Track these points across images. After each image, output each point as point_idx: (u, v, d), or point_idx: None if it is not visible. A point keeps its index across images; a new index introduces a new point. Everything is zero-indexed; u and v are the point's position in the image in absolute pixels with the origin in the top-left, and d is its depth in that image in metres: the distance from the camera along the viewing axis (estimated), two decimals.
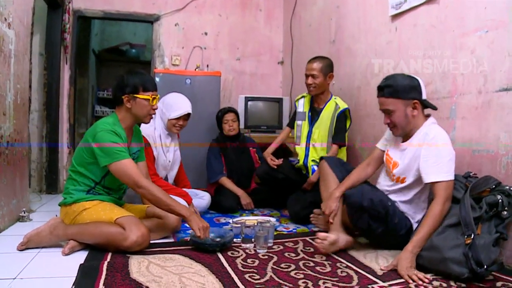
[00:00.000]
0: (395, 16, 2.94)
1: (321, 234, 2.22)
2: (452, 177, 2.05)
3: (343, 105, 3.18)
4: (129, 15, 4.87)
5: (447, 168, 2.05)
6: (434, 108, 2.24)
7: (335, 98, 3.24)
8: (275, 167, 3.33)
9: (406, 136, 2.29)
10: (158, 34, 4.93)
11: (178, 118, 3.09)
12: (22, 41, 2.98)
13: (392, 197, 2.30)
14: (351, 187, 2.37)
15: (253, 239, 2.33)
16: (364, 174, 2.46)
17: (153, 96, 2.41)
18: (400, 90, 2.16)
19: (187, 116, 3.15)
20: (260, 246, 2.26)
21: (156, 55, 4.94)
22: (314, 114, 3.32)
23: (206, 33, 5.06)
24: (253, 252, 2.26)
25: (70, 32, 4.44)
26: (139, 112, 2.40)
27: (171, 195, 2.78)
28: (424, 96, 2.20)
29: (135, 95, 2.36)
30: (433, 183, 2.07)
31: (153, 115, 2.49)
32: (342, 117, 3.17)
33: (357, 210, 2.16)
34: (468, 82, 2.32)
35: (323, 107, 3.25)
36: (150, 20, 4.93)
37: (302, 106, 3.42)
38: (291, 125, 3.56)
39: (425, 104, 2.21)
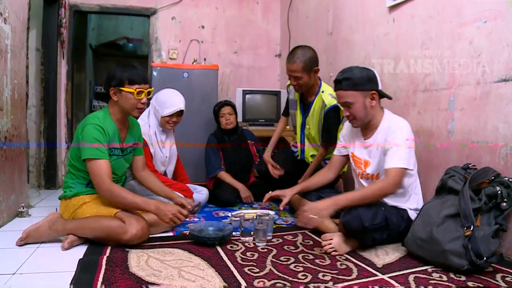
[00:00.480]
0: (392, 7, 2.93)
1: (326, 236, 2.22)
2: (407, 166, 2.12)
3: (329, 102, 2.94)
4: (126, 9, 4.83)
5: (405, 157, 2.12)
6: (390, 98, 2.33)
7: (322, 93, 3.03)
8: (277, 177, 3.21)
9: (366, 131, 2.34)
10: (155, 28, 4.90)
11: (171, 115, 3.07)
12: (19, 36, 2.96)
13: None
14: (310, 187, 2.52)
15: (252, 233, 2.33)
16: (325, 178, 2.55)
17: (138, 90, 2.33)
18: (359, 82, 2.20)
19: (180, 113, 3.12)
20: (259, 239, 2.27)
21: (153, 49, 4.92)
22: (305, 106, 3.18)
23: (203, 27, 5.04)
24: (252, 245, 2.26)
25: (67, 27, 4.41)
26: (125, 105, 2.36)
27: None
28: (380, 87, 2.26)
29: (120, 88, 2.32)
30: (386, 169, 2.13)
31: (142, 109, 2.42)
32: (330, 115, 2.96)
33: (360, 232, 2.10)
34: (466, 73, 2.31)
35: (313, 101, 3.08)
36: (146, 14, 4.90)
37: (293, 92, 3.25)
38: (286, 113, 3.52)
39: (381, 94, 2.28)
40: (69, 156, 2.43)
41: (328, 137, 2.99)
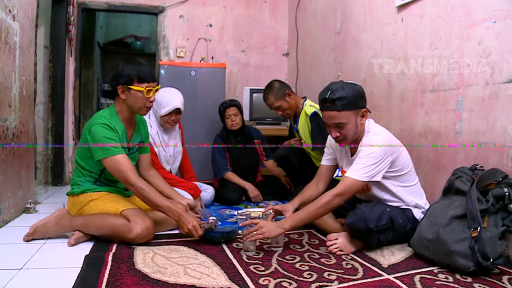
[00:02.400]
0: (401, 7, 2.91)
1: (331, 236, 2.22)
2: (363, 179, 2.07)
3: (310, 111, 3.21)
4: (134, 7, 4.85)
5: (362, 169, 2.07)
6: (369, 112, 2.23)
7: (305, 106, 3.29)
8: (298, 144, 3.43)
9: (352, 147, 2.27)
10: (162, 26, 4.91)
11: (169, 114, 3.07)
12: (27, 33, 2.98)
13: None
14: (307, 201, 2.36)
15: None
16: (316, 191, 2.41)
17: (148, 88, 2.29)
18: (353, 101, 2.08)
19: (178, 111, 3.11)
20: (275, 245, 2.19)
21: (161, 47, 4.93)
22: (295, 124, 3.44)
23: (211, 25, 5.04)
24: (258, 243, 2.25)
25: (75, 24, 4.43)
26: (133, 104, 2.33)
27: (177, 189, 2.81)
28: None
29: (129, 86, 2.28)
30: (343, 176, 2.11)
31: (150, 108, 2.40)
32: (314, 119, 3.16)
33: (365, 233, 2.08)
34: (475, 74, 2.29)
35: (298, 118, 3.35)
36: (154, 12, 4.92)
37: (290, 119, 3.55)
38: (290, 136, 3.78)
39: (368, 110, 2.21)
40: (76, 155, 2.44)
41: (321, 137, 3.04)
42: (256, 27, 5.22)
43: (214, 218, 2.38)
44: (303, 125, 3.31)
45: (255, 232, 2.04)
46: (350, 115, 2.09)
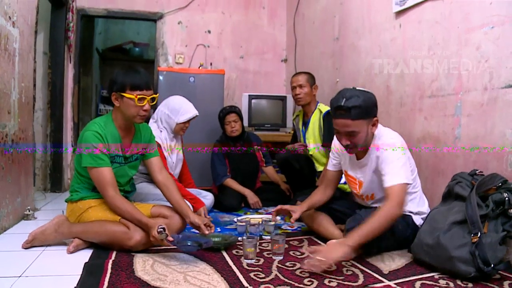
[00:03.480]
0: (399, 13, 2.93)
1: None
2: (406, 181, 2.03)
3: (325, 109, 3.32)
4: (132, 14, 4.87)
5: (400, 172, 2.03)
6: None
7: (319, 106, 3.40)
8: (302, 148, 3.43)
9: (360, 152, 2.26)
10: (161, 33, 4.93)
11: (185, 122, 3.17)
12: (26, 40, 2.98)
13: None
14: (315, 205, 2.41)
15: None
16: (324, 197, 2.45)
17: (140, 96, 2.23)
18: (367, 110, 2.05)
19: (193, 118, 3.22)
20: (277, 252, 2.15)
21: (159, 53, 4.94)
22: (304, 126, 3.50)
23: (209, 31, 5.05)
24: (258, 250, 2.24)
25: (74, 31, 4.44)
26: (126, 111, 2.28)
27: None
28: None
29: (122, 94, 2.24)
30: (387, 188, 2.04)
31: (145, 116, 2.33)
32: (328, 118, 3.20)
33: None
34: (473, 79, 2.30)
35: (310, 117, 3.42)
36: (153, 19, 4.93)
37: (298, 123, 3.62)
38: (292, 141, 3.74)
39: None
40: (75, 162, 2.44)
41: (331, 137, 3.05)
42: (255, 34, 5.24)
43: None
44: (314, 123, 3.37)
45: (314, 262, 1.83)
46: (363, 124, 2.07)
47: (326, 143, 3.18)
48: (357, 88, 2.14)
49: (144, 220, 2.16)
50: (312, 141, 3.39)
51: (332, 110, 2.11)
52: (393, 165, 2.06)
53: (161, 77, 4.19)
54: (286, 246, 2.32)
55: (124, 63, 6.84)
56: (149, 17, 4.94)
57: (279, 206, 2.42)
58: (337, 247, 1.88)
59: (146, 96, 2.27)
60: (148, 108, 2.30)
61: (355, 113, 2.01)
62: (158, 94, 2.42)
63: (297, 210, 2.38)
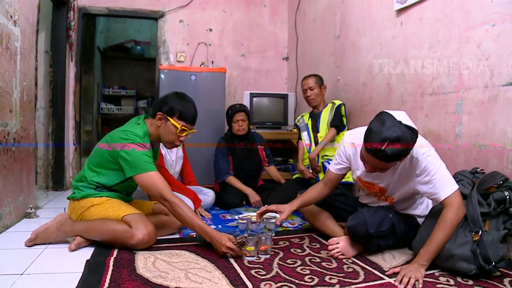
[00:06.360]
0: (400, 11, 2.92)
1: (332, 240, 2.19)
2: (456, 186, 1.92)
3: (339, 102, 3.50)
4: (134, 12, 4.87)
5: (448, 180, 1.92)
6: None
7: (331, 102, 3.55)
8: (314, 175, 3.46)
9: None
10: (162, 31, 4.93)
11: None
12: (28, 39, 2.99)
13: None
14: (308, 203, 2.38)
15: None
16: (320, 196, 2.39)
17: (183, 127, 2.31)
18: (406, 153, 1.88)
19: None
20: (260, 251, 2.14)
21: (161, 52, 4.94)
22: (314, 120, 3.59)
23: (210, 30, 5.06)
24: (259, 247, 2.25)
25: (75, 29, 4.45)
26: (164, 135, 2.34)
27: (176, 192, 2.79)
28: None
29: (168, 117, 2.30)
30: (445, 199, 1.91)
31: (177, 146, 2.42)
32: (339, 109, 3.44)
33: (365, 238, 2.09)
34: (474, 77, 2.30)
35: (322, 110, 3.55)
36: (154, 17, 4.94)
37: (303, 120, 3.71)
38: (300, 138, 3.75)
39: None
40: (92, 161, 2.38)
41: (338, 120, 3.41)
42: (256, 32, 5.24)
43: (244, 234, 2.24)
44: (325, 115, 3.50)
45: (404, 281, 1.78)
46: (397, 162, 1.97)
47: (333, 127, 3.38)
48: (402, 122, 1.84)
49: (207, 232, 2.14)
50: (324, 130, 3.45)
51: (369, 148, 1.88)
52: (437, 177, 1.93)
53: (162, 76, 4.19)
54: (287, 243, 2.33)
55: (126, 62, 6.92)
56: (151, 16, 4.94)
57: (263, 208, 2.37)
58: (416, 268, 1.82)
59: (188, 130, 2.35)
60: (183, 140, 2.38)
61: (393, 159, 1.85)
62: (196, 130, 2.46)
63: (285, 210, 2.30)
